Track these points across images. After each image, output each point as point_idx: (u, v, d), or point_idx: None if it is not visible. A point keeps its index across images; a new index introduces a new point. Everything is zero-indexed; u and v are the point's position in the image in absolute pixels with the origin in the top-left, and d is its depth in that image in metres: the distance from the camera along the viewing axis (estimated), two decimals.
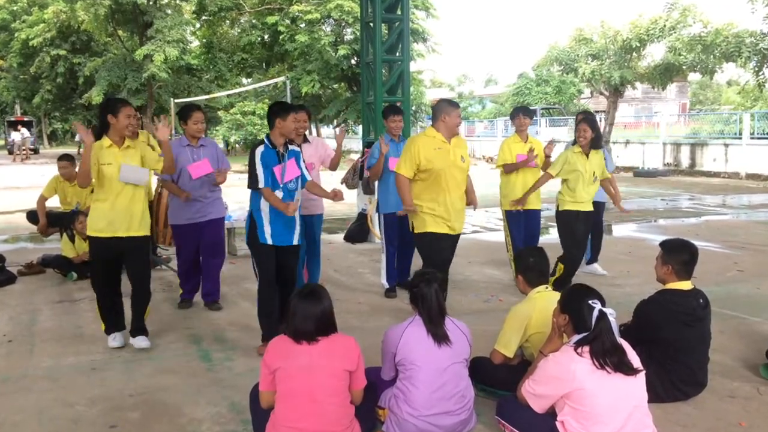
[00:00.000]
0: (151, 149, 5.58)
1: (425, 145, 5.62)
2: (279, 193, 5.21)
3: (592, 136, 6.83)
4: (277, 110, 5.24)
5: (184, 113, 6.31)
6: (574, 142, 7.52)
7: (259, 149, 5.23)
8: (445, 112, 5.65)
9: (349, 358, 3.51)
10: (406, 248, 7.20)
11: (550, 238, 10.24)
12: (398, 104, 9.99)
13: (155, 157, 5.44)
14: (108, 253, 5.29)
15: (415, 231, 5.79)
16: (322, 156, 6.88)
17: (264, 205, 5.23)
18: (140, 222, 5.31)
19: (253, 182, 5.19)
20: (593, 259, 8.11)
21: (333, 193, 5.44)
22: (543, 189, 7.28)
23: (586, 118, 7.00)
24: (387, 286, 7.21)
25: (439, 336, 3.74)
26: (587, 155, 6.87)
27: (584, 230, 7.09)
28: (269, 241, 5.24)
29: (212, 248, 6.58)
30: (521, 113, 7.48)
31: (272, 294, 5.35)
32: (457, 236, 5.90)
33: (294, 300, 3.56)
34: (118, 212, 5.18)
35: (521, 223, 7.53)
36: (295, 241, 5.39)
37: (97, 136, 5.17)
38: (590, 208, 7.00)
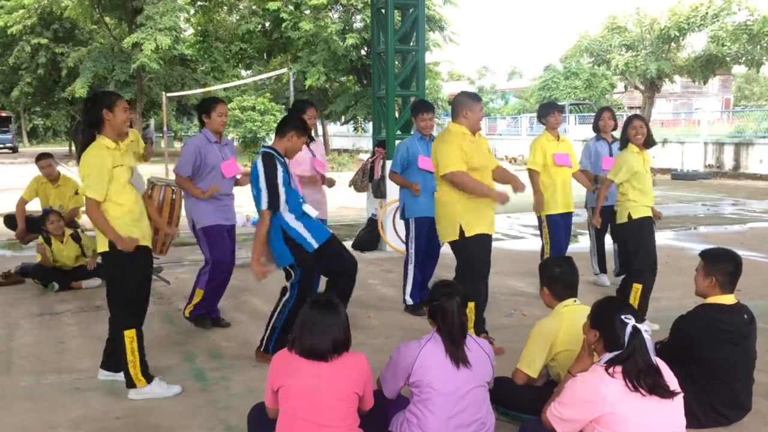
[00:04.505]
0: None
1: (463, 140, 5.59)
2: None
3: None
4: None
5: (207, 106, 6.32)
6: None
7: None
8: (467, 107, 5.64)
9: (359, 381, 3.51)
10: (430, 259, 7.10)
11: (577, 246, 10.23)
12: (412, 99, 10.07)
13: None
14: (147, 262, 4.92)
15: (467, 235, 5.59)
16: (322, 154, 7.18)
17: (291, 217, 5.29)
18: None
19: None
20: (602, 270, 8.18)
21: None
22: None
23: (640, 116, 6.86)
24: (411, 302, 6.99)
25: (459, 358, 3.69)
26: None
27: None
28: (316, 245, 5.32)
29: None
30: (556, 109, 7.48)
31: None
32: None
33: (306, 311, 3.54)
34: (137, 219, 4.80)
35: (562, 230, 7.43)
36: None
37: (90, 138, 4.72)
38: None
